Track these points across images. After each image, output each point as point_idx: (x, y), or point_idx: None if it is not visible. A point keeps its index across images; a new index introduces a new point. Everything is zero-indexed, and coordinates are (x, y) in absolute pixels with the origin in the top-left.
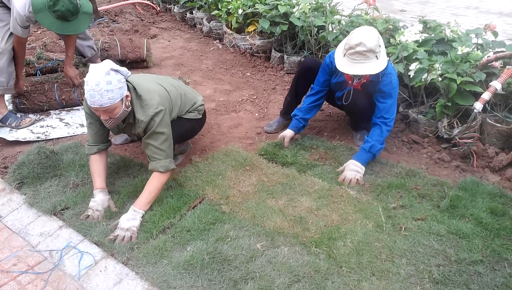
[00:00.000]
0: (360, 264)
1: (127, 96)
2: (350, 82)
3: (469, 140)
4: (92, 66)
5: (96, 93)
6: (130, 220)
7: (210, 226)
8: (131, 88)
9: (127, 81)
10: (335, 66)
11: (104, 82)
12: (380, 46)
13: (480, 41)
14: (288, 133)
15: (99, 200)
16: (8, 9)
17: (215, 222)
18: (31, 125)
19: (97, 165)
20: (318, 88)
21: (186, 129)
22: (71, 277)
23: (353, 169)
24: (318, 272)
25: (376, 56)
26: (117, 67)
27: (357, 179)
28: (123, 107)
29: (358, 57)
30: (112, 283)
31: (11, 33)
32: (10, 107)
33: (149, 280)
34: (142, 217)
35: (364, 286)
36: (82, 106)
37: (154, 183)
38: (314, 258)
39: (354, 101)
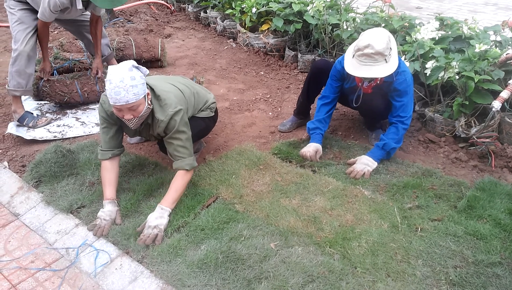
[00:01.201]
0: (375, 265)
1: (147, 94)
2: (360, 84)
3: (487, 140)
4: (111, 66)
5: (121, 89)
6: (158, 218)
7: (224, 225)
8: (149, 88)
9: None
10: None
11: (128, 78)
12: (390, 48)
13: (498, 38)
14: (319, 147)
15: (108, 211)
16: (30, 11)
17: (229, 221)
18: (47, 124)
19: (109, 174)
20: (332, 95)
21: (201, 128)
22: (87, 274)
23: (364, 162)
24: (333, 272)
25: (385, 59)
26: (137, 64)
27: (364, 173)
28: (146, 104)
29: (366, 60)
30: (128, 281)
31: (31, 35)
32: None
33: (163, 279)
34: (169, 215)
35: (379, 287)
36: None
37: (180, 181)
38: (328, 258)
39: (369, 102)
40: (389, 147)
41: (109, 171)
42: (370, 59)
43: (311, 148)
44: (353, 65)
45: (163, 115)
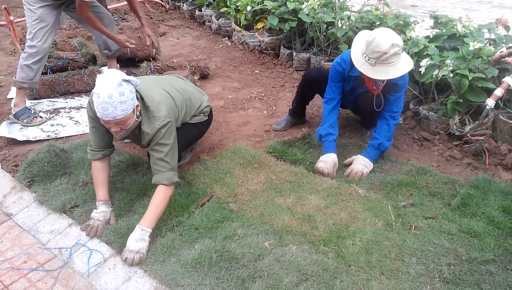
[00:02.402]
0: (369, 263)
1: (137, 106)
2: (374, 88)
3: (481, 137)
4: (100, 77)
5: (109, 105)
6: (139, 241)
7: (218, 224)
8: (139, 98)
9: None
10: (347, 73)
11: (117, 94)
12: None
13: (492, 36)
14: (336, 160)
15: (101, 211)
16: (50, 7)
17: (223, 220)
18: (40, 124)
19: (101, 174)
20: (338, 96)
21: (193, 135)
22: (80, 274)
23: (362, 163)
24: (327, 271)
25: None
26: (128, 77)
27: (362, 173)
28: (134, 117)
29: (394, 58)
30: (121, 280)
31: (50, 33)
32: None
33: (157, 278)
34: (149, 236)
35: (373, 285)
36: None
37: (160, 197)
38: (322, 257)
39: (369, 101)
40: (384, 147)
41: (101, 172)
42: (396, 57)
43: (329, 164)
44: (383, 71)
45: (149, 128)
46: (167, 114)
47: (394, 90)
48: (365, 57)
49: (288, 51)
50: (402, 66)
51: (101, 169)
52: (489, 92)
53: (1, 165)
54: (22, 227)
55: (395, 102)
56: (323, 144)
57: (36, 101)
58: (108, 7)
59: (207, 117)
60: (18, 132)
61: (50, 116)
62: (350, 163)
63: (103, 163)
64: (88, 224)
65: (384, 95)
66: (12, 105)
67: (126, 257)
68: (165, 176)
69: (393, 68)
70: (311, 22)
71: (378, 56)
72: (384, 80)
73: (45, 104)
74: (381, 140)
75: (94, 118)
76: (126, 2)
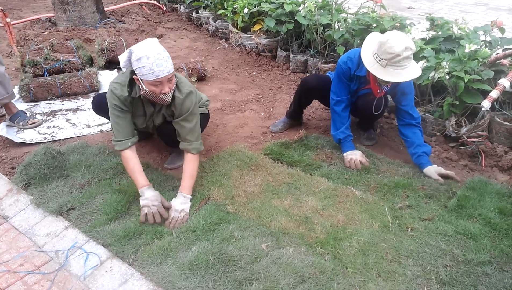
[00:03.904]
0: (366, 265)
1: None
2: (378, 91)
3: (477, 139)
4: (139, 44)
5: (162, 61)
6: (183, 203)
7: (215, 227)
8: None
9: None
10: (353, 72)
11: (162, 49)
12: None
13: (488, 38)
14: (359, 153)
15: (151, 195)
16: None
17: (220, 222)
18: (37, 126)
19: (135, 161)
20: (347, 96)
21: (202, 124)
22: (76, 277)
23: (436, 170)
24: (324, 273)
25: None
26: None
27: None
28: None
29: (406, 62)
30: (118, 283)
31: None
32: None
33: (154, 281)
34: (190, 201)
35: (370, 287)
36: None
37: (192, 166)
38: (319, 259)
39: (370, 103)
40: (430, 151)
41: (134, 159)
42: (408, 60)
43: (358, 155)
44: (389, 72)
45: (180, 92)
46: (190, 84)
47: (403, 95)
48: (376, 58)
49: (285, 53)
50: (412, 70)
51: (134, 157)
52: (485, 94)
53: None
54: (18, 229)
55: (412, 109)
56: (343, 144)
57: (32, 103)
58: (105, 9)
59: (207, 111)
60: (14, 134)
61: (47, 118)
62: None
63: (133, 151)
64: (145, 214)
65: (385, 100)
66: (6, 116)
67: (173, 216)
68: (193, 145)
69: (404, 72)
70: (308, 24)
71: (391, 58)
72: (388, 84)
73: (41, 106)
74: (428, 145)
75: (118, 105)
76: (123, 4)
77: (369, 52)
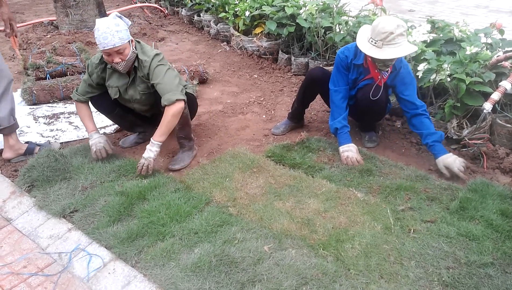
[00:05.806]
0: (368, 267)
1: (131, 40)
2: (379, 77)
3: (479, 141)
4: (98, 19)
5: (108, 34)
6: (148, 151)
7: (218, 229)
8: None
9: None
10: (350, 61)
11: (113, 25)
12: None
13: (489, 41)
14: (355, 148)
15: (97, 137)
16: None
17: (222, 224)
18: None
19: (87, 111)
20: (345, 86)
21: (193, 103)
22: (80, 279)
23: (453, 158)
24: (326, 274)
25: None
26: (120, 15)
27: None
28: (131, 49)
29: (400, 39)
30: (121, 285)
31: None
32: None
33: (157, 283)
34: (158, 148)
35: (373, 289)
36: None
37: (165, 117)
38: (321, 261)
39: (371, 100)
40: (443, 137)
41: (86, 109)
42: (402, 38)
43: (354, 152)
44: (386, 51)
45: (145, 55)
46: (156, 50)
47: (405, 87)
48: (372, 41)
49: (287, 56)
50: (407, 46)
51: (86, 107)
52: (486, 96)
53: (1, 170)
54: (21, 232)
55: (415, 98)
56: (339, 136)
57: (35, 107)
58: (107, 12)
59: (195, 94)
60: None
61: (50, 121)
62: (447, 168)
63: (86, 104)
64: (94, 151)
65: (387, 97)
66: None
67: (138, 163)
68: (165, 97)
69: (399, 49)
70: (309, 27)
71: (385, 37)
72: (389, 69)
73: (44, 109)
74: (438, 132)
75: (89, 70)
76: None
77: (363, 39)
